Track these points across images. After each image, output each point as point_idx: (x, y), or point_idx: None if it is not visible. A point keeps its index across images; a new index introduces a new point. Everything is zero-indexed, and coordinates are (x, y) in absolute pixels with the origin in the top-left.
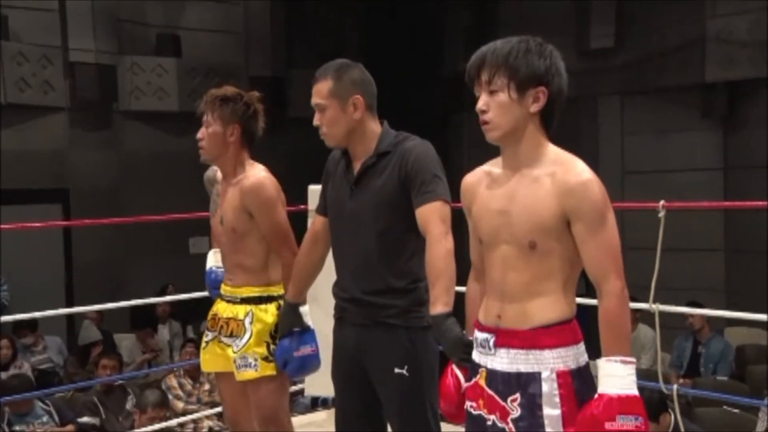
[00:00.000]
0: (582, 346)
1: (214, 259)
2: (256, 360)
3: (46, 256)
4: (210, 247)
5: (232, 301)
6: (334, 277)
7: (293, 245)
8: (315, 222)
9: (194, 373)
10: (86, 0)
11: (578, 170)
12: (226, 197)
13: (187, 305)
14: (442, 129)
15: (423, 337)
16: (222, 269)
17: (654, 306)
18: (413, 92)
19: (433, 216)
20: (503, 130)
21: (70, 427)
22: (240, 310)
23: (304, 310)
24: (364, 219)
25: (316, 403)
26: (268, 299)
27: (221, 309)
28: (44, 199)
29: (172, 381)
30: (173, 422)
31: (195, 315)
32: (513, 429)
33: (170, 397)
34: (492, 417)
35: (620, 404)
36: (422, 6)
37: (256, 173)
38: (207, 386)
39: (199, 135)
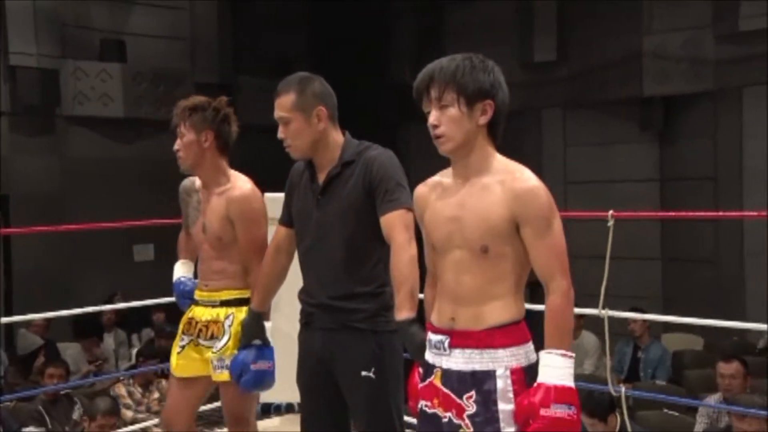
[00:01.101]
0: (531, 345)
1: (182, 270)
2: None
3: None
4: (154, 253)
5: (210, 304)
6: (295, 285)
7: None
8: (278, 232)
9: (144, 381)
10: (27, 1)
11: (525, 177)
12: (210, 206)
13: (133, 313)
14: (390, 137)
15: (390, 341)
16: (191, 279)
17: (603, 312)
18: (360, 100)
19: (396, 224)
20: (456, 142)
21: None
22: (221, 313)
23: (267, 325)
24: (331, 227)
25: (269, 410)
26: (247, 301)
27: (198, 313)
28: None
29: (121, 389)
30: (122, 431)
31: (140, 323)
32: (469, 424)
33: (119, 405)
34: (448, 414)
35: (556, 393)
36: (369, 14)
37: (243, 185)
38: (156, 395)
39: (176, 147)
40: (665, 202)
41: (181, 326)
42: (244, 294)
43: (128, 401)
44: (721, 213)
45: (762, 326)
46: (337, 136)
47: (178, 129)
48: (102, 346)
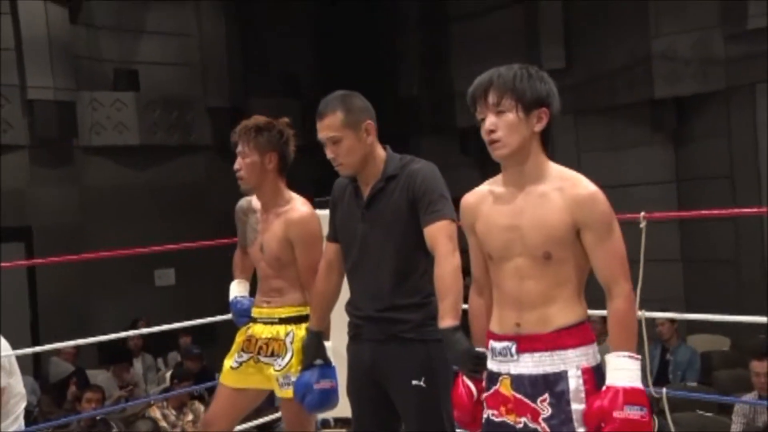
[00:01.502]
0: (596, 345)
1: (238, 289)
2: None
3: (10, 295)
4: (175, 278)
5: (269, 322)
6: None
7: None
8: (327, 249)
9: (179, 403)
10: (42, 35)
11: (585, 184)
12: (269, 227)
13: (158, 338)
14: (398, 152)
15: (438, 350)
16: (247, 298)
17: (640, 313)
18: None
19: (440, 234)
20: (511, 148)
21: None
22: (280, 330)
23: (327, 344)
24: (376, 240)
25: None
26: (307, 318)
27: (257, 331)
28: (7, 238)
29: (156, 413)
30: None
31: (165, 348)
32: (546, 427)
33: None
34: (522, 419)
35: (628, 395)
36: (376, 30)
37: (301, 207)
38: (190, 416)
39: (237, 166)
40: (683, 204)
41: (238, 343)
42: (302, 311)
43: (163, 424)
44: (756, 209)
45: None
46: (380, 150)
47: (240, 148)
48: (132, 371)
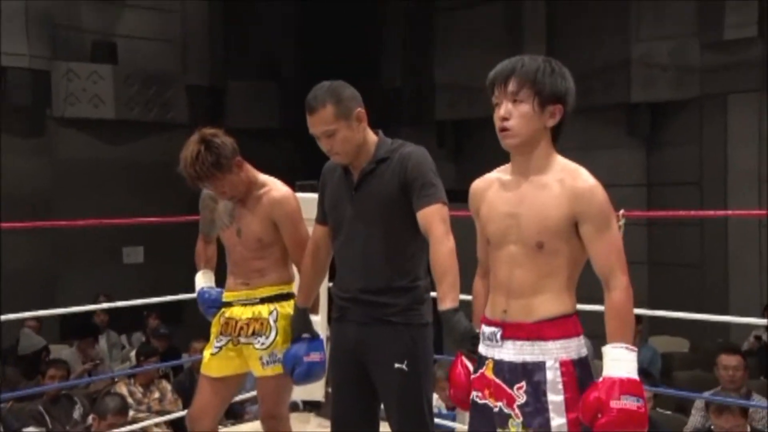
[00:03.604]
0: (582, 339)
1: (204, 280)
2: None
3: None
4: (144, 256)
5: (249, 303)
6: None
7: None
8: (315, 231)
9: (145, 380)
10: (19, 1)
11: (585, 177)
12: (248, 210)
13: (125, 316)
14: None
15: (422, 334)
16: (214, 288)
17: None
18: None
19: (434, 218)
20: (522, 138)
21: None
22: (263, 310)
23: (315, 319)
24: (366, 222)
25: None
26: (288, 296)
27: (236, 313)
28: None
29: (123, 389)
30: (122, 430)
31: (131, 327)
32: (519, 414)
33: (128, 405)
34: (499, 404)
35: (624, 386)
36: (359, 19)
37: (281, 187)
38: (157, 394)
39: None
40: (652, 207)
41: (215, 328)
42: (284, 289)
43: (129, 401)
44: (730, 212)
45: (754, 320)
46: (371, 135)
47: (212, 187)
48: (97, 347)
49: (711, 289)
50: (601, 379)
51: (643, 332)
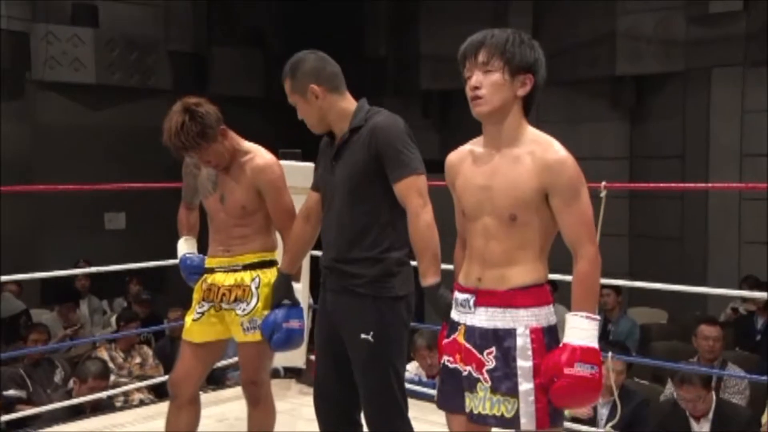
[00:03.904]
0: (552, 308)
1: (186, 246)
2: None
3: None
4: (126, 222)
5: (231, 269)
6: None
7: None
8: (308, 197)
9: (127, 346)
10: None
11: (555, 148)
12: (231, 177)
13: (106, 282)
14: None
15: (391, 307)
16: (197, 255)
17: None
18: None
19: (409, 191)
20: (492, 106)
21: None
22: (245, 276)
23: (296, 286)
24: (340, 191)
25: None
26: (270, 263)
27: (219, 279)
28: None
29: (103, 354)
30: (103, 394)
31: (113, 292)
32: (487, 378)
33: (109, 369)
34: (468, 368)
35: (580, 353)
36: None
37: (265, 155)
38: (138, 359)
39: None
40: (634, 180)
41: (197, 294)
42: (266, 257)
43: (111, 365)
44: (711, 185)
45: (731, 291)
46: (347, 105)
47: (198, 158)
48: (78, 312)
49: (690, 261)
50: (561, 345)
51: (623, 303)
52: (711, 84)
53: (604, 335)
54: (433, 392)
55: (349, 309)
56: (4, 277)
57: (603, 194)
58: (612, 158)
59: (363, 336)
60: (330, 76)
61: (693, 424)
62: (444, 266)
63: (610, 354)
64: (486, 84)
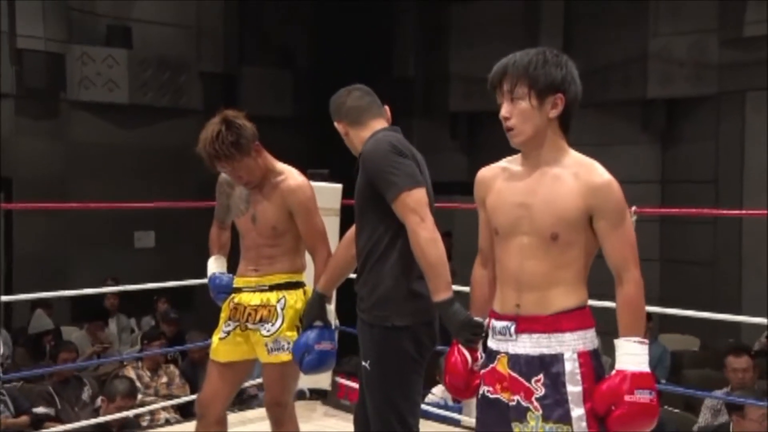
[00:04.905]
0: (594, 330)
1: (216, 265)
2: (288, 344)
3: None
4: (155, 241)
5: (258, 289)
6: None
7: (328, 243)
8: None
9: (152, 365)
10: None
11: (600, 171)
12: (264, 197)
13: (135, 301)
14: None
15: (387, 337)
16: (226, 274)
17: None
18: None
19: (404, 209)
20: (526, 135)
21: (24, 417)
22: (272, 297)
23: (329, 308)
24: (356, 217)
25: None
26: (297, 285)
27: (245, 299)
28: None
29: (130, 372)
30: (130, 413)
31: (141, 311)
32: (538, 407)
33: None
34: (516, 398)
35: (637, 380)
36: (374, 8)
37: (297, 177)
38: (164, 379)
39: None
40: (666, 204)
41: (224, 313)
42: (294, 278)
43: (138, 384)
44: (744, 212)
45: (766, 320)
46: (365, 134)
47: (228, 168)
48: (106, 330)
49: (723, 287)
50: (614, 371)
51: (653, 329)
52: (745, 107)
53: None
54: (459, 417)
55: (359, 333)
56: (33, 295)
57: (633, 218)
58: (643, 182)
59: (363, 363)
60: (348, 111)
61: None
62: (461, 288)
63: None
64: (515, 114)
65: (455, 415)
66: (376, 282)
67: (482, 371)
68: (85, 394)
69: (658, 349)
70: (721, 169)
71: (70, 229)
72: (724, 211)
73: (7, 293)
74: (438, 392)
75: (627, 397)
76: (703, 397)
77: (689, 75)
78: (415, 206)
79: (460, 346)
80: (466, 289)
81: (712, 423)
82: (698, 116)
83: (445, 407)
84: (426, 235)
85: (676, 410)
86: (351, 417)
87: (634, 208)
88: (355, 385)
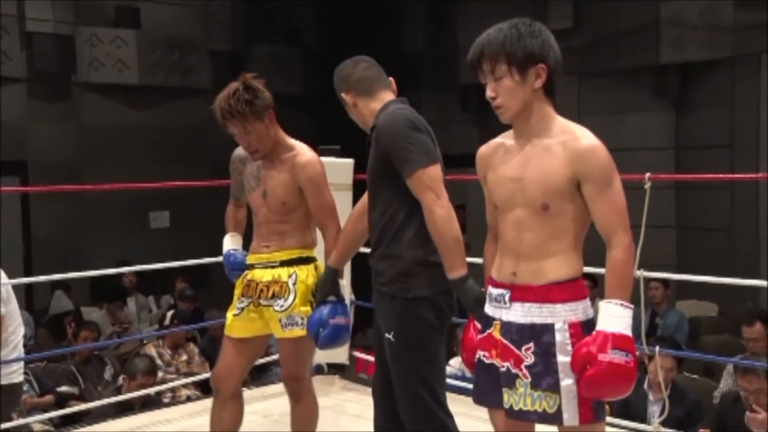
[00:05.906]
0: (588, 301)
1: (231, 242)
2: (302, 319)
3: (4, 229)
4: (170, 221)
5: (270, 266)
6: None
7: (338, 219)
8: (364, 196)
9: (174, 343)
10: None
11: (586, 137)
12: (274, 173)
13: (153, 280)
14: None
15: (409, 308)
16: (240, 251)
17: (639, 272)
18: None
19: (419, 186)
20: (514, 111)
21: (49, 396)
22: (283, 273)
23: (342, 282)
24: (369, 190)
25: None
26: (308, 260)
27: (257, 275)
28: (2, 172)
29: (152, 351)
30: (151, 390)
31: (159, 290)
32: (527, 374)
33: (156, 365)
34: (506, 364)
35: (613, 340)
36: None
37: (307, 152)
38: (185, 356)
39: (245, 145)
40: (681, 170)
41: (238, 290)
42: (304, 253)
43: (158, 362)
44: (761, 175)
45: None
46: (377, 105)
47: (237, 129)
48: (125, 310)
49: (740, 253)
50: (594, 332)
51: (670, 296)
52: (760, 70)
53: (652, 329)
54: None
55: (379, 307)
56: (54, 276)
57: (648, 185)
58: (657, 149)
59: (387, 335)
60: (357, 81)
61: None
62: (474, 260)
63: (657, 348)
64: (501, 92)
65: (472, 386)
66: (395, 256)
67: (479, 336)
68: (107, 373)
69: (675, 315)
70: (736, 134)
71: (85, 211)
72: (740, 175)
73: (26, 275)
74: (455, 364)
75: (600, 356)
76: (722, 362)
77: (702, 39)
78: (431, 183)
79: (476, 321)
80: (480, 260)
81: (734, 388)
82: (712, 81)
83: (463, 378)
84: (442, 213)
85: (695, 376)
86: (369, 390)
87: (648, 174)
88: (373, 359)
